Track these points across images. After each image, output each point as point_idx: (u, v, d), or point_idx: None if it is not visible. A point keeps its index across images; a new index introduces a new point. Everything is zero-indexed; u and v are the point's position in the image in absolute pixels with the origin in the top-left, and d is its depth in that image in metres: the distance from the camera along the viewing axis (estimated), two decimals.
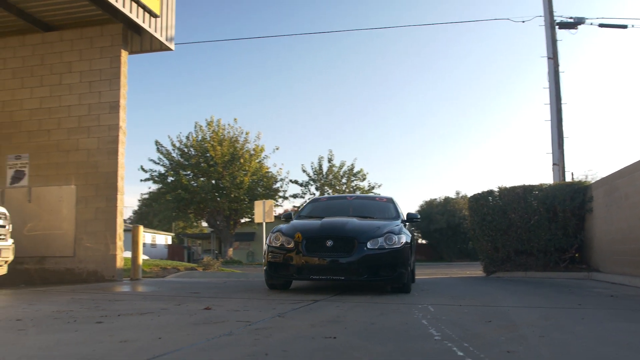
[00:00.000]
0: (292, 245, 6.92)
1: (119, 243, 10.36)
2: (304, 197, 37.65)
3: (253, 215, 24.96)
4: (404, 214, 8.47)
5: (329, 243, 6.74)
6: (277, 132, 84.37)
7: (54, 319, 4.42)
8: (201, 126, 34.86)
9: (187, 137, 35.00)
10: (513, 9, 78.83)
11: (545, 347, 3.22)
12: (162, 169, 35.01)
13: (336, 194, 34.95)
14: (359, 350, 3.13)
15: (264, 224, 19.39)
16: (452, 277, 12.53)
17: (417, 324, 4.16)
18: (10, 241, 8.40)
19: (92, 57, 10.82)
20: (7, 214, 8.41)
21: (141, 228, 11.28)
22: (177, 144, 34.88)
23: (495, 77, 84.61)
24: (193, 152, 34.68)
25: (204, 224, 42.64)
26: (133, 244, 11.01)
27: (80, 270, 10.38)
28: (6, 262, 8.33)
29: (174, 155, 34.94)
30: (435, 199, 40.83)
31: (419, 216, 8.46)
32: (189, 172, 34.66)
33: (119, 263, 10.34)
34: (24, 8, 10.42)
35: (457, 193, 41.07)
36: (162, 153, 34.72)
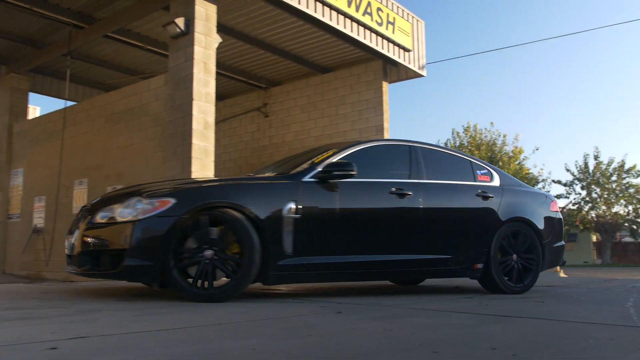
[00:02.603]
0: None
1: None
2: (568, 198, 36.07)
3: None
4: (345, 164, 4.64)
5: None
6: (536, 132, 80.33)
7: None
8: (458, 132, 36.18)
9: (445, 144, 36.61)
10: None
11: None
12: None
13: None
14: (549, 306, 4.18)
15: None
16: None
17: (622, 297, 5.04)
18: None
19: (359, 90, 13.18)
20: None
21: None
22: None
23: None
24: None
25: None
26: None
27: None
28: None
29: None
30: None
31: (350, 167, 4.56)
32: None
33: None
34: (308, 58, 13.31)
35: None
36: None
